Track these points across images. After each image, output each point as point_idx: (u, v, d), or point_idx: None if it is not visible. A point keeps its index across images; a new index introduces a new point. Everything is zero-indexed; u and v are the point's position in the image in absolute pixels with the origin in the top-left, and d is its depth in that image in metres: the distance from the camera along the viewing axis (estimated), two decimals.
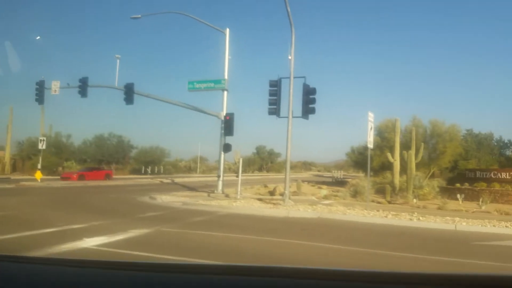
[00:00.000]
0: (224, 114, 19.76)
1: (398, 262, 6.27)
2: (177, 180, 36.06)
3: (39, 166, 26.03)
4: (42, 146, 25.57)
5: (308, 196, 18.10)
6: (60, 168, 37.64)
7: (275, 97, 15.72)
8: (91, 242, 6.99)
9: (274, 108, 15.69)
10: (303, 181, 23.76)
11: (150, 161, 54.01)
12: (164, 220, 10.31)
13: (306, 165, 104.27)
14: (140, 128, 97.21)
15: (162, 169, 55.12)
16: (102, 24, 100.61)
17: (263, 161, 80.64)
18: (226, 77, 20.38)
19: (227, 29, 20.70)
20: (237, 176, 17.39)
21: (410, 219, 11.16)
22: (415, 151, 18.39)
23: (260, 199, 16.10)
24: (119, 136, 51.86)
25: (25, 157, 40.04)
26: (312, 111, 15.09)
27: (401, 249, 7.32)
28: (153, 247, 6.83)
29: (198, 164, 66.38)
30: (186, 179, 38.58)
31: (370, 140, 14.05)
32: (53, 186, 23.67)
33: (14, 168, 36.39)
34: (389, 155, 18.84)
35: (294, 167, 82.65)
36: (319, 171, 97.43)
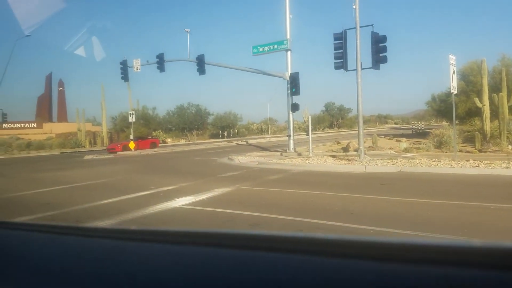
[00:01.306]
0: (289, 74, 19.65)
1: (495, 213, 5.95)
2: (250, 141, 37.19)
3: (131, 137, 28.90)
4: (132, 119, 28.19)
5: (386, 150, 17.51)
6: (107, 140, 40.87)
7: (340, 51, 15.15)
8: (180, 202, 7.72)
9: (341, 62, 15.16)
10: (378, 135, 22.90)
11: (226, 126, 56.85)
12: (242, 179, 10.89)
13: (381, 119, 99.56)
14: (214, 96, 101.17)
15: (236, 132, 57.51)
16: (172, 2, 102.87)
17: (333, 117, 78.83)
18: (288, 37, 20.07)
19: None
20: (307, 134, 17.41)
21: (507, 167, 10.32)
22: (507, 94, 16.54)
23: (333, 156, 16.02)
24: (197, 105, 55.40)
25: (119, 130, 44.86)
26: (384, 60, 14.28)
27: (498, 200, 6.81)
28: (236, 205, 7.33)
29: (269, 125, 67.30)
30: (258, 140, 39.56)
31: (453, 85, 12.96)
32: (144, 154, 26.05)
33: (110, 140, 40.63)
34: (476, 100, 17.24)
35: (367, 121, 79.56)
36: (396, 123, 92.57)
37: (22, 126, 45.93)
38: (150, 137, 36.70)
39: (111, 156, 25.39)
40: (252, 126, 67.49)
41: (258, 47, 21.26)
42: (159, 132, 47.27)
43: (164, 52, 23.13)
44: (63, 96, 58.85)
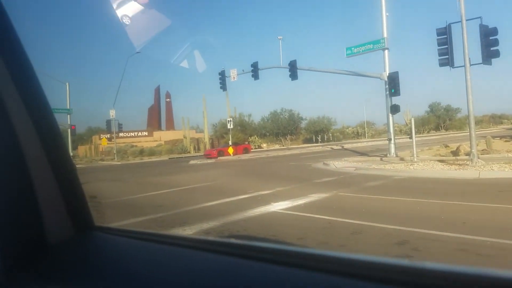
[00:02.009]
0: (387, 74, 18.60)
1: None
2: (346, 146, 36.12)
3: (230, 142, 30.64)
4: (230, 126, 29.96)
5: (502, 154, 15.41)
6: (204, 146, 42.79)
7: (445, 46, 13.88)
8: (277, 206, 7.84)
9: (446, 58, 13.88)
10: (493, 137, 20.28)
11: (319, 130, 56.59)
12: (339, 185, 10.61)
13: (495, 119, 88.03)
14: (306, 101, 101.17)
15: (331, 137, 56.68)
16: (263, 10, 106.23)
17: (439, 119, 72.08)
18: (385, 35, 19.06)
19: None
20: (410, 138, 16.20)
21: None
22: None
23: (441, 161, 14.64)
24: (290, 110, 56.45)
25: (219, 136, 47.97)
26: (495, 54, 12.73)
27: None
28: (333, 211, 7.17)
29: (366, 128, 64.61)
30: (355, 145, 38.21)
31: None
32: (242, 158, 27.27)
33: (212, 146, 43.48)
34: None
35: (479, 122, 70.95)
36: None
37: (135, 134, 51.69)
38: (246, 143, 38.23)
39: (212, 161, 27.09)
40: (347, 130, 65.51)
41: (353, 48, 20.66)
42: (255, 138, 49.02)
43: (258, 61, 24.01)
44: (170, 106, 64.82)
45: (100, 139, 44.30)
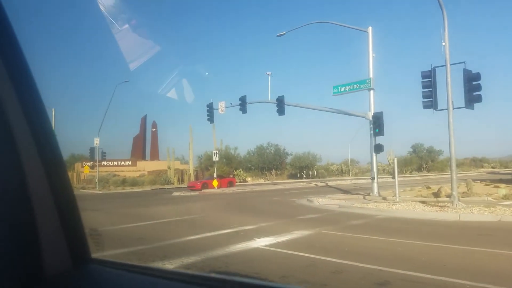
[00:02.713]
0: (372, 114, 19.13)
1: None
2: (330, 183, 36.33)
3: (214, 175, 30.40)
4: (216, 158, 29.88)
5: (482, 197, 15.77)
6: (187, 177, 42.63)
7: (429, 89, 14.41)
8: (260, 242, 7.76)
9: (430, 101, 14.37)
10: (474, 180, 20.77)
11: (304, 166, 56.80)
12: (322, 222, 10.61)
13: (476, 162, 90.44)
14: (293, 136, 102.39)
15: (315, 173, 56.94)
16: (253, 46, 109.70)
17: (422, 160, 73.59)
18: (371, 75, 19.76)
19: (370, 28, 20.10)
20: (393, 178, 16.46)
21: None
22: None
23: (423, 202, 14.86)
24: (276, 145, 56.75)
25: (204, 168, 47.58)
26: (478, 99, 13.27)
27: None
28: (316, 249, 7.14)
29: (350, 166, 65.27)
30: (338, 182, 38.48)
31: None
32: (226, 192, 27.02)
33: (196, 178, 43.01)
34: None
35: (461, 164, 72.77)
36: (493, 167, 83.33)
37: (119, 164, 50.97)
38: (230, 176, 38.04)
39: (196, 193, 26.76)
40: (331, 167, 66.12)
41: (339, 87, 21.13)
42: (240, 171, 48.85)
43: (246, 94, 24.35)
44: (156, 136, 64.49)
45: (82, 166, 43.49)
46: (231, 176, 39.36)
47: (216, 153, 30.55)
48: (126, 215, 14.05)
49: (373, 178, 19.10)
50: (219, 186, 30.12)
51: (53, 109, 35.78)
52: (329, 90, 21.48)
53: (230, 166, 47.06)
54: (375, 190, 18.71)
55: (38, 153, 0.95)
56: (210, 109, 26.04)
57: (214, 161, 30.49)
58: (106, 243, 8.18)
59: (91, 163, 39.96)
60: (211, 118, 26.24)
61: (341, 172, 64.45)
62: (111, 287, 0.99)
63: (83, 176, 44.31)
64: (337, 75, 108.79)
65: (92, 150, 36.21)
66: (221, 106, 25.95)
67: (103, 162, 49.91)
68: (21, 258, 0.89)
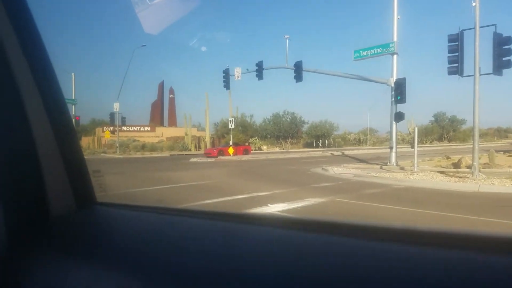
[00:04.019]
0: (394, 80, 18.48)
1: None
2: (347, 152, 36.07)
3: (230, 142, 30.60)
4: (231, 126, 29.92)
5: (505, 169, 15.35)
6: (204, 145, 42.97)
7: (456, 54, 13.72)
8: (274, 208, 7.84)
9: (456, 66, 13.73)
10: (497, 151, 20.19)
11: (321, 135, 56.27)
12: (337, 191, 10.60)
13: (501, 132, 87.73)
14: (310, 104, 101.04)
15: (332, 142, 56.52)
16: (273, 9, 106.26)
17: (443, 129, 71.80)
18: (395, 39, 18.87)
19: None
20: (413, 147, 16.13)
21: None
22: None
23: (442, 172, 14.60)
24: (292, 113, 55.97)
25: (220, 135, 47.87)
26: (507, 65, 12.61)
27: None
28: (328, 216, 7.16)
29: (368, 136, 64.43)
30: (356, 152, 38.15)
31: None
32: (242, 159, 27.25)
33: (213, 145, 43.47)
34: None
35: (484, 135, 70.66)
36: None
37: (138, 129, 51.72)
38: (246, 144, 38.20)
39: (212, 160, 27.09)
40: (349, 136, 65.37)
41: (361, 51, 20.33)
42: (255, 139, 48.85)
43: (263, 60, 23.88)
44: (173, 102, 64.83)
45: (103, 131, 44.38)
46: (247, 144, 39.53)
47: (232, 120, 30.55)
48: (145, 179, 14.38)
49: (391, 148, 18.78)
50: (235, 154, 30.29)
51: (72, 74, 36.24)
52: (348, 56, 20.87)
53: (245, 134, 47.10)
54: (393, 159, 18.44)
55: (41, 96, 0.95)
56: (226, 75, 25.69)
57: (230, 128, 30.55)
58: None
59: (111, 128, 40.75)
60: (227, 85, 25.97)
61: (359, 142, 63.73)
62: (116, 225, 1.01)
63: (104, 141, 45.35)
64: (359, 40, 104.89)
65: (112, 115, 36.80)
66: (237, 72, 25.61)
67: (123, 128, 50.68)
68: (26, 201, 0.92)
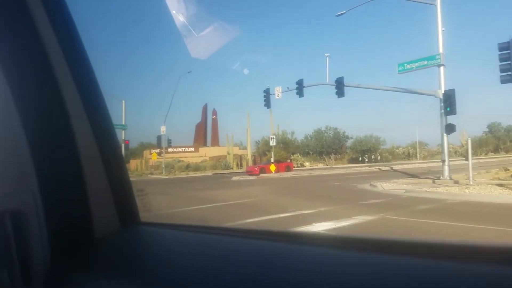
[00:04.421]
0: (443, 92, 17.70)
1: None
2: (395, 167, 34.64)
3: (272, 160, 30.53)
4: (273, 143, 29.96)
5: None
6: (245, 163, 42.82)
7: (508, 62, 13.03)
8: (320, 227, 7.57)
9: (509, 75, 12.99)
10: None
11: (366, 150, 54.77)
12: (387, 207, 10.09)
13: None
14: (353, 119, 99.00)
15: (379, 157, 54.73)
16: (310, 28, 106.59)
17: (499, 140, 67.16)
18: (441, 51, 18.24)
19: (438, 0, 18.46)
20: (467, 160, 15.11)
21: None
22: None
23: (500, 185, 13.51)
24: (335, 128, 55.19)
25: (261, 153, 48.04)
26: None
27: None
28: (379, 235, 6.78)
29: (417, 149, 61.69)
30: (405, 166, 36.56)
31: None
32: (284, 176, 27.03)
33: (254, 163, 43.62)
34: None
35: None
36: None
37: (183, 150, 53.20)
38: (288, 161, 37.91)
39: (254, 177, 27.09)
40: (397, 150, 62.85)
41: (405, 65, 19.99)
42: (297, 156, 48.42)
43: (303, 78, 23.95)
44: (216, 123, 66.34)
45: (150, 153, 46.11)
46: (289, 161, 39.19)
47: (273, 138, 30.59)
48: (189, 198, 14.60)
49: (444, 161, 17.76)
50: (277, 171, 30.09)
51: (123, 101, 38.27)
52: (391, 70, 20.49)
53: (287, 151, 46.82)
54: (446, 173, 17.40)
55: (89, 120, 0.97)
56: (267, 94, 26.06)
57: (271, 146, 30.58)
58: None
59: (158, 150, 42.25)
60: (268, 103, 26.28)
61: (408, 156, 61.07)
62: (160, 244, 1.00)
63: (151, 163, 47.03)
64: (400, 54, 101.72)
65: (159, 138, 38.18)
66: (277, 91, 25.90)
67: (168, 149, 52.39)
68: (71, 221, 0.93)
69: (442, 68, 18.25)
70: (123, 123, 37.87)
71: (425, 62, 18.94)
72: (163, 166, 39.23)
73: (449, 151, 19.10)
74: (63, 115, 0.93)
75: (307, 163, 49.61)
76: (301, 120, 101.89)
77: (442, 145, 18.34)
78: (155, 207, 11.64)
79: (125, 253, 0.93)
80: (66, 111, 0.93)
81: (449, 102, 17.23)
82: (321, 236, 0.92)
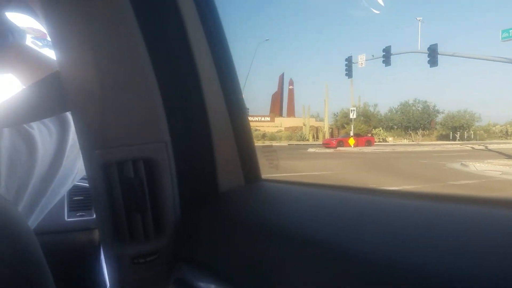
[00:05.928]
0: None
1: None
2: (491, 146, 31.24)
3: (351, 133, 29.49)
4: (352, 115, 28.81)
5: None
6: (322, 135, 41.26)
7: None
8: None
9: None
10: None
11: (459, 127, 50.12)
12: (479, 190, 9.09)
13: None
14: (445, 92, 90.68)
15: (472, 135, 49.90)
16: None
17: None
18: None
19: None
20: None
21: None
22: None
23: None
24: (424, 101, 51.13)
25: (340, 126, 46.79)
26: None
27: None
28: None
29: None
30: (502, 146, 32.82)
31: None
32: (364, 151, 26.00)
33: (331, 135, 42.74)
34: None
35: None
36: None
37: (259, 119, 54.06)
38: (369, 135, 36.24)
39: (331, 150, 26.46)
40: (493, 128, 56.54)
41: (510, 31, 17.46)
42: (380, 130, 46.07)
43: (391, 45, 22.18)
44: (292, 94, 65.82)
45: None
46: (369, 135, 37.47)
47: (354, 110, 29.28)
48: (265, 166, 14.77)
49: None
50: (356, 145, 28.94)
51: None
52: (492, 37, 17.96)
53: (368, 124, 44.80)
54: None
55: (217, 71, 1.00)
56: (349, 63, 24.73)
57: (351, 118, 29.37)
58: None
59: None
60: (349, 73, 24.97)
61: (506, 135, 54.62)
62: (281, 198, 1.01)
63: None
64: (502, 21, 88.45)
65: None
66: (361, 59, 24.47)
67: None
68: (199, 174, 0.99)
69: None
70: None
71: None
72: None
73: None
74: (194, 74, 0.95)
75: (390, 138, 47.00)
76: (386, 92, 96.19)
77: None
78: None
79: (249, 206, 0.95)
80: (197, 71, 0.95)
81: None
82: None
